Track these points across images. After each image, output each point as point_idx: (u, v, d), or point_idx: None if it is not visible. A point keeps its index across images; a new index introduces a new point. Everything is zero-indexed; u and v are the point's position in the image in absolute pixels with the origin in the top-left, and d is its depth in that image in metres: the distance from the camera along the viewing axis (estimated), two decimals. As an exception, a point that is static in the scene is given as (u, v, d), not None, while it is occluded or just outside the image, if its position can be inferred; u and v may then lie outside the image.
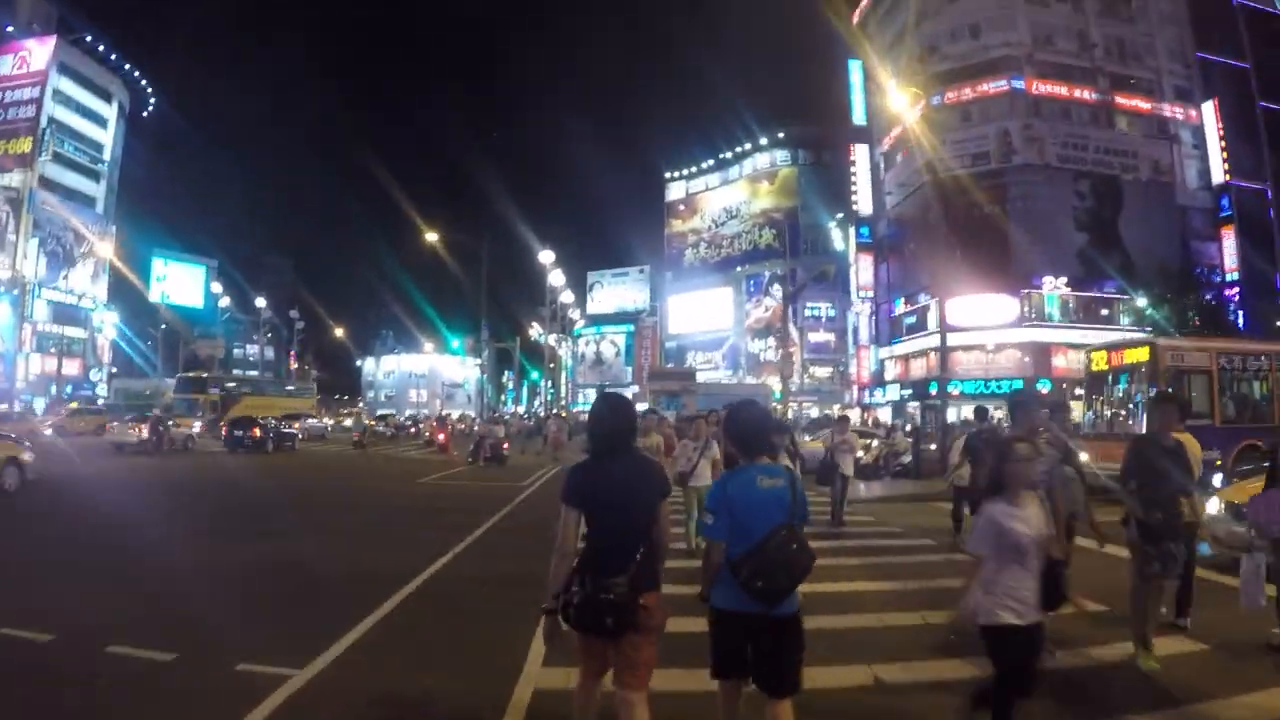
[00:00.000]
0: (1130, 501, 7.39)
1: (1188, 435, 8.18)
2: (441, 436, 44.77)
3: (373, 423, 65.76)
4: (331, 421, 75.40)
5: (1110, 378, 22.63)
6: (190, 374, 65.40)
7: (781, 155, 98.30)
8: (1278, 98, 64.66)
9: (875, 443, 31.61)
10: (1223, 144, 61.05)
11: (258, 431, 40.18)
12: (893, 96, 49.72)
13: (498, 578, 10.79)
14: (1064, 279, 56.66)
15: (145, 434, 36.54)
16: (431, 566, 11.29)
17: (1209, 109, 61.84)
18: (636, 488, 4.61)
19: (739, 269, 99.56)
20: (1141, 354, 20.87)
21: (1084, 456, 15.58)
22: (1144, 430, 9.76)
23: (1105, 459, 19.39)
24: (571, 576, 4.43)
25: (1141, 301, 51.49)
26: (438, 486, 25.18)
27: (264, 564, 11.53)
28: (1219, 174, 61.19)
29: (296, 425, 48.56)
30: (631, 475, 4.64)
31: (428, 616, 8.90)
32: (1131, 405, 21.76)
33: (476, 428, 45.30)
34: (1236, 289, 56.59)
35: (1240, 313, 53.54)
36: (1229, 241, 59.85)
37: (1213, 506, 10.69)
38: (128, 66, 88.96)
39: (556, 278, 62.36)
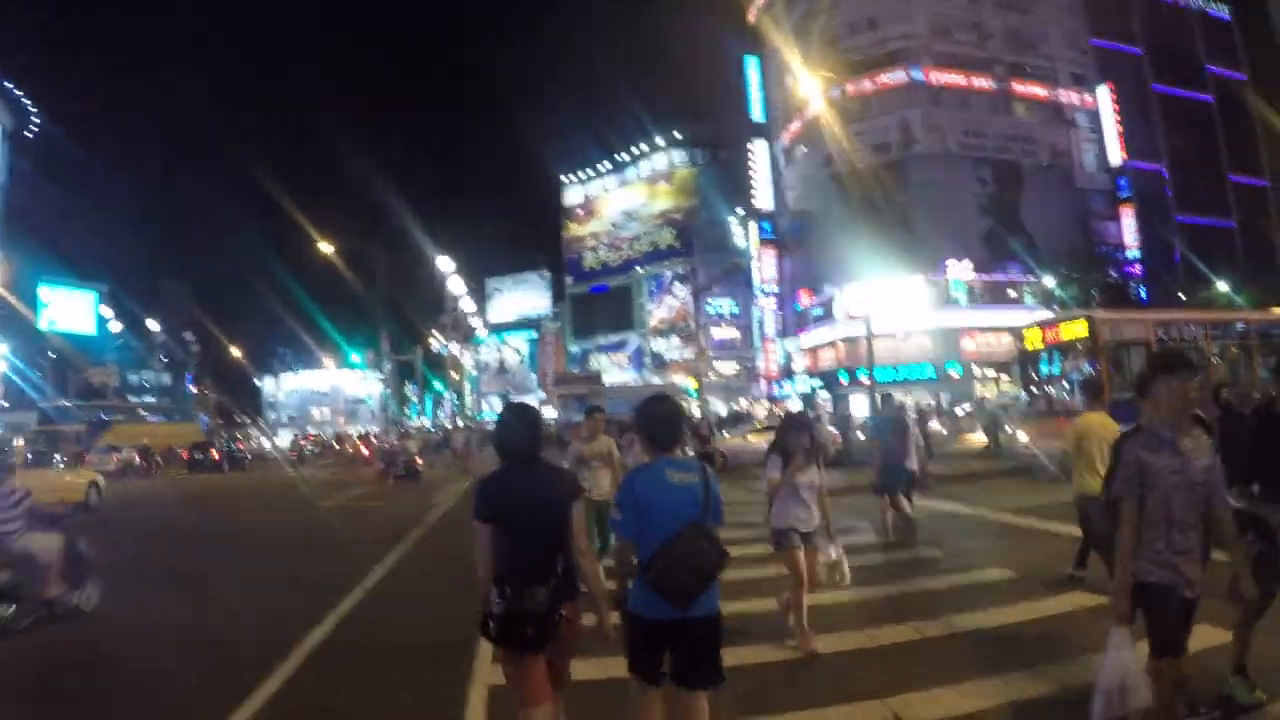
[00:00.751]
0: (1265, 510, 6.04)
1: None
2: (367, 452, 46.33)
3: (304, 442, 66.12)
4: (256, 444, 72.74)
5: (1046, 355, 22.44)
6: (50, 404, 62.89)
7: (679, 155, 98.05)
8: (1170, 81, 68.01)
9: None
10: (1119, 127, 63.05)
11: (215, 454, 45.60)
12: (799, 85, 49.82)
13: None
14: (969, 263, 57.53)
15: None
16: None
17: (1104, 93, 63.62)
18: (548, 496, 4.52)
19: (640, 270, 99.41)
20: (1079, 329, 20.69)
21: (1021, 436, 15.72)
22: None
23: (1044, 437, 19.47)
24: (491, 588, 4.32)
25: (1050, 281, 52.28)
26: (358, 505, 24.02)
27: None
28: (1116, 156, 63.22)
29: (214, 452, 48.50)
30: (542, 483, 4.57)
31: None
32: (1068, 382, 21.64)
33: (386, 445, 44.78)
34: (1138, 266, 58.05)
35: (1142, 289, 54.87)
36: (1128, 220, 62.03)
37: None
38: (7, 84, 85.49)
39: (456, 285, 61.49)
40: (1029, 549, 11.73)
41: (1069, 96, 64.61)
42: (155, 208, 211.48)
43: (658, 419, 4.71)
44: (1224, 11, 76.14)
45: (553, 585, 4.28)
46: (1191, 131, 69.35)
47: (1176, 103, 69.71)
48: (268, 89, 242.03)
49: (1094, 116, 64.44)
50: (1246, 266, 58.79)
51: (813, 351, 66.84)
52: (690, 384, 47.12)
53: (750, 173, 71.78)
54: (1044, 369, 22.83)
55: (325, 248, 53.23)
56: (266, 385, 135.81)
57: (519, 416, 4.76)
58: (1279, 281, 49.86)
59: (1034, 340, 22.68)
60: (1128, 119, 63.61)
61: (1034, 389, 23.34)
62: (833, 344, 62.33)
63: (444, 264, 57.97)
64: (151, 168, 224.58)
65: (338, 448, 61.89)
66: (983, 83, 62.27)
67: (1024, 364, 23.62)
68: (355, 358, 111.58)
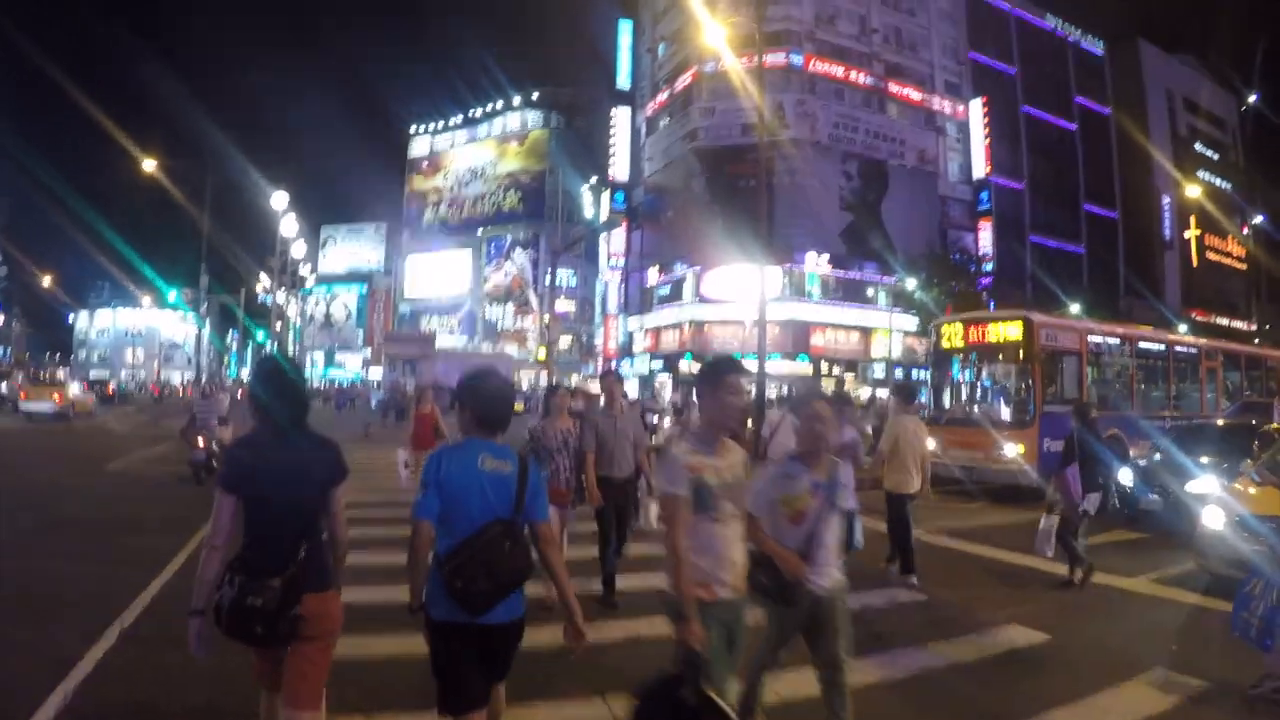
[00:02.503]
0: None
1: None
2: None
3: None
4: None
5: (964, 356, 19.78)
6: None
7: (534, 116, 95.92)
8: (1039, 105, 69.31)
9: (667, 422, 27.88)
10: (987, 141, 62.99)
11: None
12: (673, 55, 46.93)
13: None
14: (826, 256, 55.79)
15: None
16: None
17: (976, 106, 63.64)
18: (306, 471, 3.93)
19: (480, 231, 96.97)
20: (1011, 331, 18.11)
21: (930, 444, 13.41)
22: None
23: (956, 447, 17.27)
24: (223, 573, 3.74)
25: (912, 283, 51.08)
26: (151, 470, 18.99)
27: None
28: (980, 169, 63.25)
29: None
30: (302, 456, 3.96)
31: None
32: (995, 387, 19.37)
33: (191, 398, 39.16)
34: (990, 278, 57.47)
35: (992, 302, 54.04)
36: (986, 233, 61.98)
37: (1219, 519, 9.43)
38: None
39: (289, 226, 55.66)
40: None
41: (941, 104, 64.25)
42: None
43: (485, 397, 4.11)
44: (1097, 47, 77.54)
45: (288, 576, 3.70)
46: (1053, 156, 70.68)
47: (1042, 126, 70.60)
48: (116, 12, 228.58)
49: (963, 127, 64.19)
50: (1091, 292, 59.34)
51: (656, 332, 64.20)
52: (536, 353, 43.95)
53: (610, 141, 68.07)
54: (958, 371, 20.08)
55: (148, 164, 46.59)
56: (79, 321, 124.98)
57: (279, 372, 4.11)
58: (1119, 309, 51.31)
59: (952, 338, 19.64)
60: (995, 135, 63.64)
61: (946, 393, 20.22)
62: (678, 325, 60.15)
63: (278, 200, 51.99)
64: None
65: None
66: (860, 77, 61.01)
67: (937, 363, 20.40)
68: (172, 295, 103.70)
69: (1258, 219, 66.35)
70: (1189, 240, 76.02)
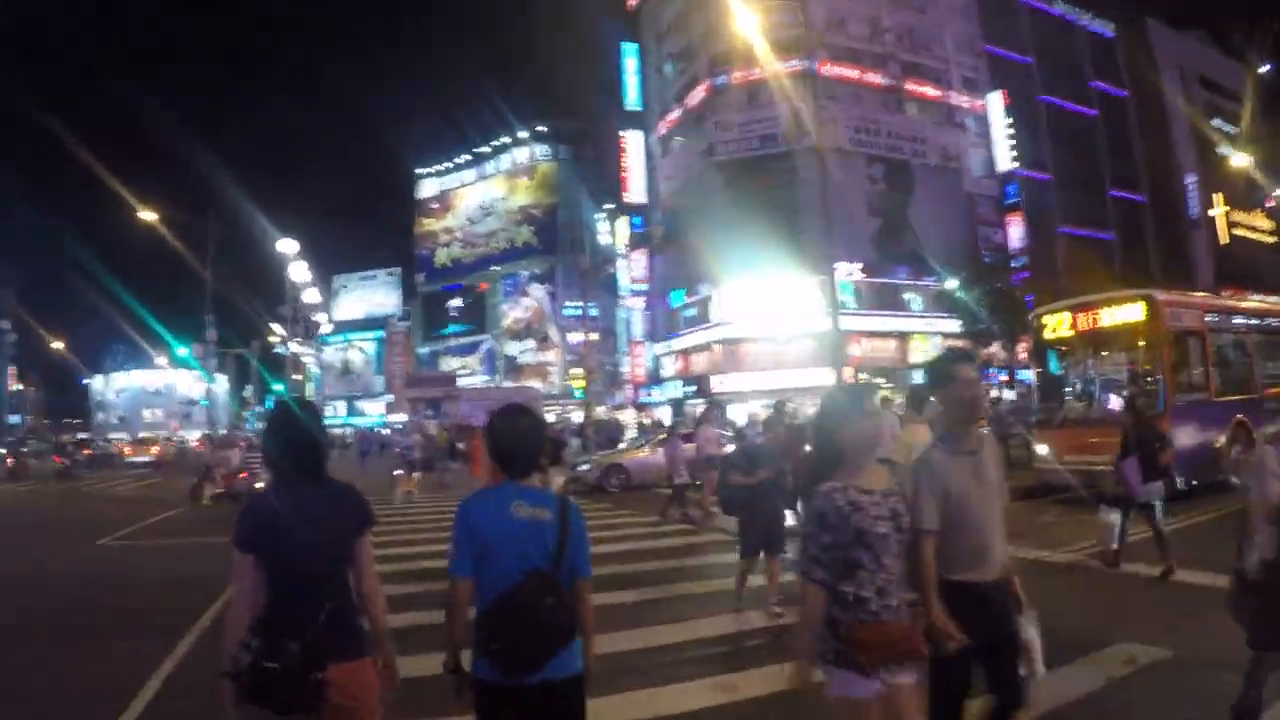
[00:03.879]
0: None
1: None
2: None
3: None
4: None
5: (1074, 347, 17.92)
6: None
7: (541, 150, 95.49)
8: (1056, 92, 68.31)
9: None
10: (1009, 133, 61.68)
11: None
12: (681, 73, 45.87)
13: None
14: (859, 264, 54.15)
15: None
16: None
17: (996, 99, 62.42)
18: (324, 522, 3.68)
19: (495, 268, 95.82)
20: (1131, 313, 16.21)
21: (1041, 449, 14.85)
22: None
23: (1075, 451, 15.56)
24: (245, 635, 3.51)
25: (952, 283, 49.75)
26: (149, 543, 17.13)
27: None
28: (1005, 162, 61.76)
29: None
30: (320, 506, 3.71)
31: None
32: (1114, 380, 17.42)
33: (202, 451, 37.45)
34: (1025, 274, 56.02)
35: (1030, 297, 52.65)
36: (1015, 229, 60.50)
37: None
38: None
39: (298, 272, 54.29)
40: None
41: (960, 100, 62.87)
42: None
43: (514, 436, 3.77)
44: (1107, 29, 76.27)
45: (309, 639, 3.44)
46: (1075, 144, 69.09)
47: (1062, 114, 69.28)
48: (109, 63, 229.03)
49: (982, 121, 62.78)
50: (1124, 279, 57.92)
51: (684, 355, 62.67)
52: (568, 382, 42.61)
53: (622, 165, 66.60)
54: (1071, 365, 18.24)
55: (149, 216, 45.40)
56: (95, 384, 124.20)
57: (294, 417, 3.87)
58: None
59: (1057, 328, 17.70)
60: (1016, 126, 62.30)
61: (1046, 390, 18.44)
62: (708, 346, 58.53)
63: (286, 246, 50.66)
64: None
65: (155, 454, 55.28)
66: (876, 78, 59.70)
67: (1040, 359, 18.56)
68: (183, 350, 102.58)
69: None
70: (1215, 218, 74.98)
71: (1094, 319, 16.87)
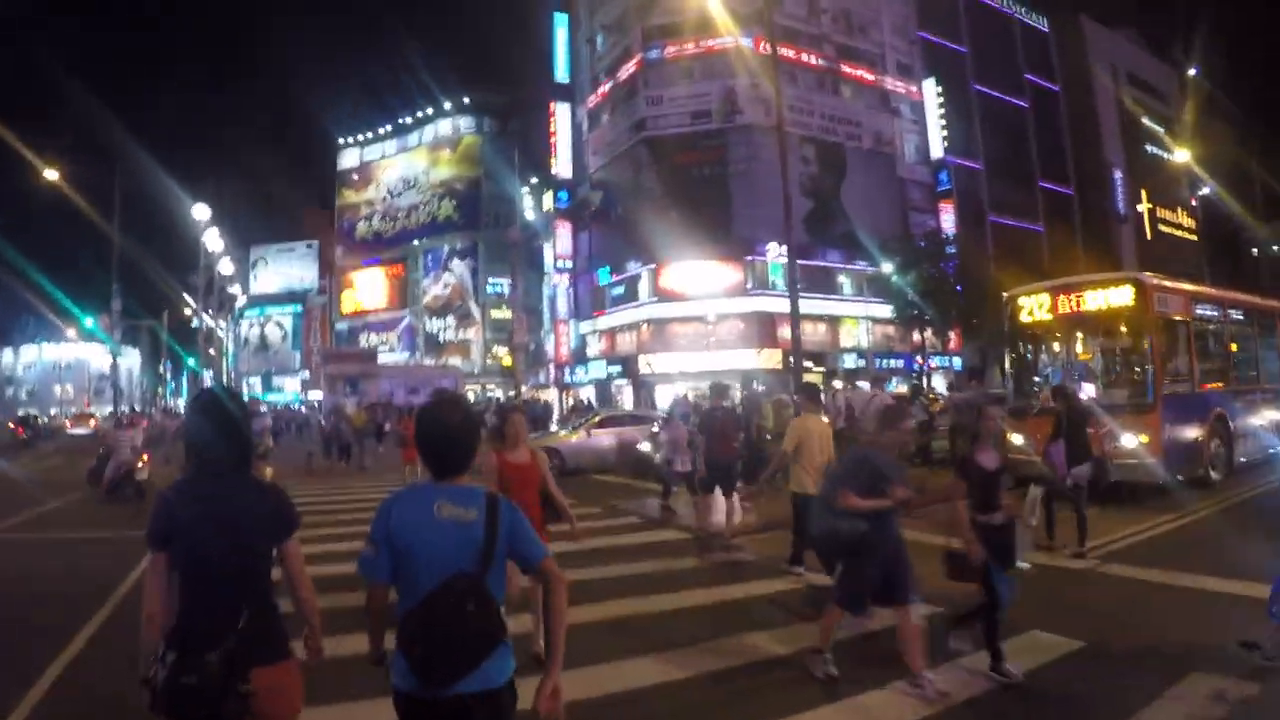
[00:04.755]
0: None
1: None
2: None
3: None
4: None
5: (1053, 331, 17.03)
6: None
7: (466, 122, 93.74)
8: (989, 82, 68.30)
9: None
10: (943, 120, 61.79)
11: None
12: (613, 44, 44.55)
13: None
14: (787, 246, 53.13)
15: None
16: None
17: (930, 86, 62.36)
18: (246, 523, 3.41)
19: (416, 243, 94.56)
20: (1118, 296, 15.14)
21: (1018, 439, 13.83)
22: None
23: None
24: (158, 646, 3.26)
25: (888, 267, 49.03)
26: (32, 537, 14.54)
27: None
28: (938, 149, 61.87)
29: None
30: (238, 503, 3.43)
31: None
32: (1098, 367, 16.88)
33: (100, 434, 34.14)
34: (955, 261, 55.59)
35: (960, 286, 52.13)
36: (948, 215, 60.28)
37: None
38: None
39: (213, 240, 51.75)
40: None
41: (895, 85, 62.30)
42: None
43: (445, 434, 3.44)
44: (1042, 23, 76.47)
45: (227, 649, 3.19)
46: (1006, 134, 69.11)
47: (995, 104, 69.20)
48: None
49: (917, 108, 62.48)
50: (1052, 271, 57.78)
51: (611, 334, 61.20)
52: (494, 359, 41.11)
53: (550, 137, 64.84)
54: (1047, 350, 17.43)
55: (51, 174, 42.41)
56: (4, 358, 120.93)
57: (225, 405, 3.62)
58: None
59: (1034, 311, 16.57)
60: (949, 114, 62.39)
61: (1017, 377, 17.37)
62: (635, 326, 57.26)
63: (200, 212, 48.08)
64: None
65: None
66: (812, 59, 58.50)
67: (1013, 342, 17.35)
68: (89, 321, 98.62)
69: (1204, 190, 66.45)
70: (1142, 214, 75.76)
71: (1077, 302, 15.81)
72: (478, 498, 3.37)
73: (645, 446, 20.50)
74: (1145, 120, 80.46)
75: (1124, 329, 15.61)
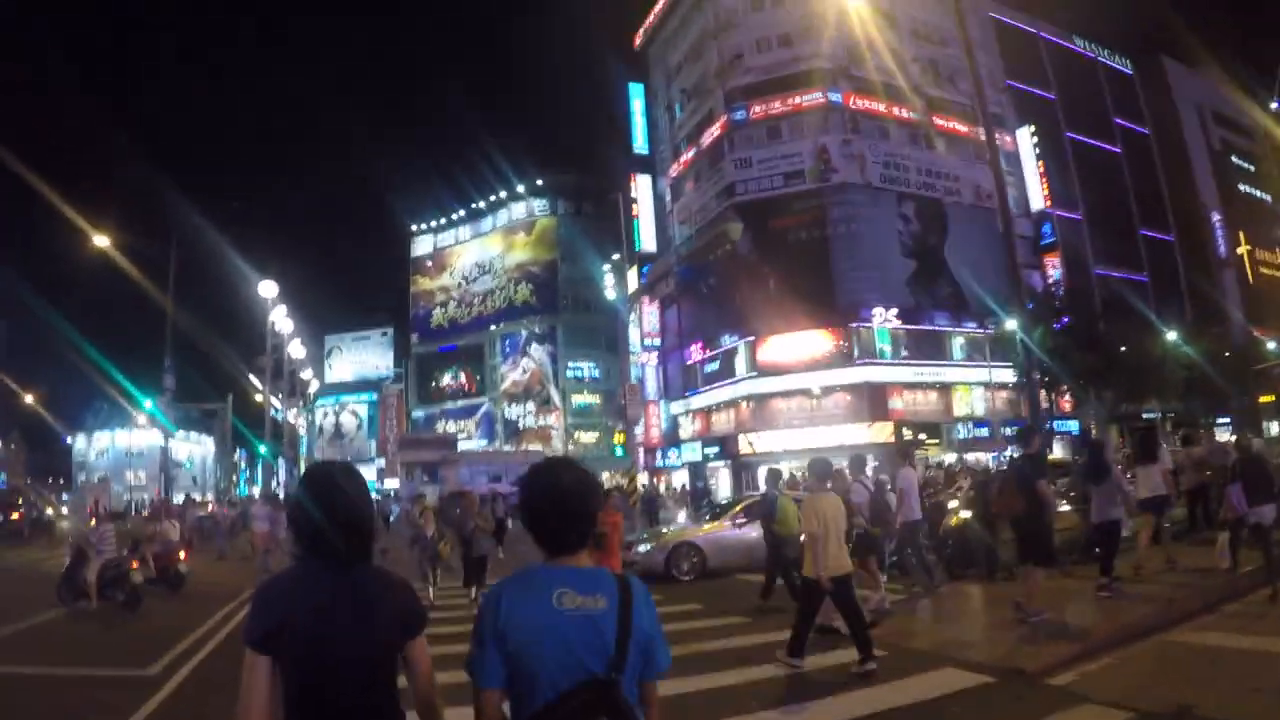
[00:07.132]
0: None
1: None
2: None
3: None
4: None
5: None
6: None
7: (540, 204, 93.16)
8: (1081, 129, 66.37)
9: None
10: (1041, 171, 59.48)
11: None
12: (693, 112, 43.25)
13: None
14: (894, 310, 51.01)
15: None
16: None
17: (1025, 134, 60.09)
18: (369, 621, 2.87)
19: (493, 328, 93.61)
20: None
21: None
22: None
23: None
24: None
25: (1011, 325, 46.46)
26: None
27: None
28: (1038, 200, 59.34)
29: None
30: (363, 597, 2.90)
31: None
32: None
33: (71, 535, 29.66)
34: (1067, 319, 53.21)
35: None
36: (1054, 269, 57.66)
37: None
38: None
39: (282, 319, 50.01)
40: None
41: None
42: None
43: (558, 498, 2.81)
44: (1125, 65, 74.87)
45: None
46: (1102, 182, 66.83)
47: (1088, 151, 67.04)
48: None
49: (1011, 158, 59.52)
50: (1161, 320, 55.14)
51: (705, 413, 58.95)
52: (623, 445, 38.91)
53: (631, 211, 62.79)
54: None
55: (100, 240, 39.12)
56: (78, 444, 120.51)
57: (333, 482, 2.98)
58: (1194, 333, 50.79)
59: None
60: (1045, 163, 59.98)
61: None
62: (733, 403, 54.86)
63: (266, 289, 46.14)
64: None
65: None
66: (902, 112, 56.70)
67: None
68: (148, 404, 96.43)
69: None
70: (1241, 256, 73.16)
71: None
72: (607, 582, 2.80)
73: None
74: (1234, 159, 78.11)
75: None
